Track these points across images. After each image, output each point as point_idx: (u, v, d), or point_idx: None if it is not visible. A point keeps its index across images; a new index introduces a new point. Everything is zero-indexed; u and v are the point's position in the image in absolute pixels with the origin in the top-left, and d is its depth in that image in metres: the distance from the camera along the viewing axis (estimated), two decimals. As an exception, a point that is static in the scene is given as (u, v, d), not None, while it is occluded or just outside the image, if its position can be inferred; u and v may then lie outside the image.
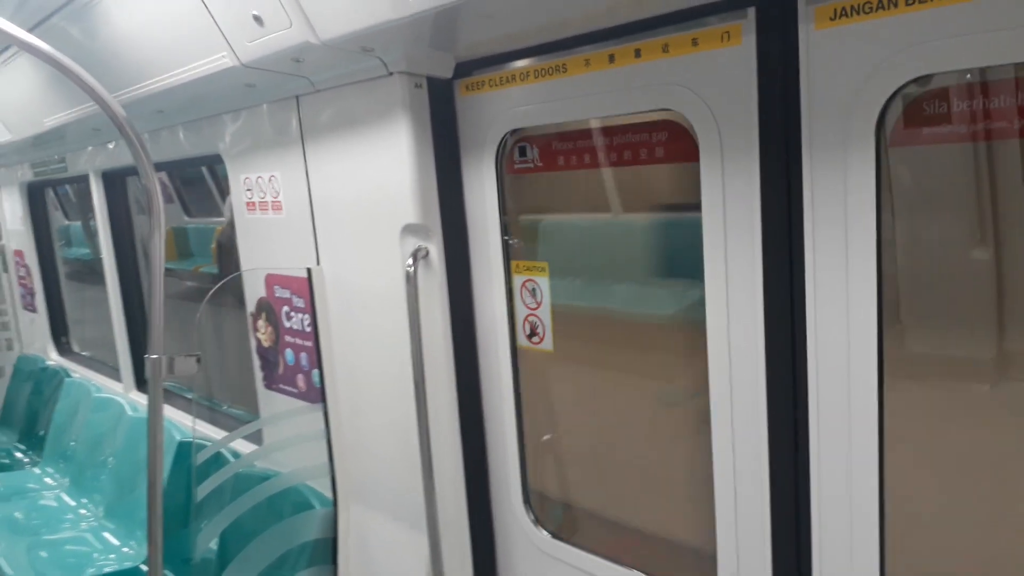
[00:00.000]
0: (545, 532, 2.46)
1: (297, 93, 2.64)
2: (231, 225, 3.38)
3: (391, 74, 2.26)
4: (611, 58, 1.92)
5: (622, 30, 1.88)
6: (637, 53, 1.87)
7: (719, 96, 1.74)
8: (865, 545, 1.70)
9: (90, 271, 6.16)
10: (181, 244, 8.67)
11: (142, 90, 2.84)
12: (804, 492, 1.78)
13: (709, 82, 1.75)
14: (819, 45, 1.57)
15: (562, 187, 2.39)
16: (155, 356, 2.09)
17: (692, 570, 2.24)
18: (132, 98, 2.89)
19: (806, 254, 1.66)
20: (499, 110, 2.25)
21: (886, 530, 1.69)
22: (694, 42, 1.76)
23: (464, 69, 2.30)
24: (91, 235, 6.01)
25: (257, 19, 2.14)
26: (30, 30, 2.77)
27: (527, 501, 2.50)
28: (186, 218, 8.57)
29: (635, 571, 2.22)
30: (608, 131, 2.11)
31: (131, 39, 2.72)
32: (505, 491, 2.53)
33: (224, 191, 6.53)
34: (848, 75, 1.54)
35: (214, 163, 3.33)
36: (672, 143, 1.96)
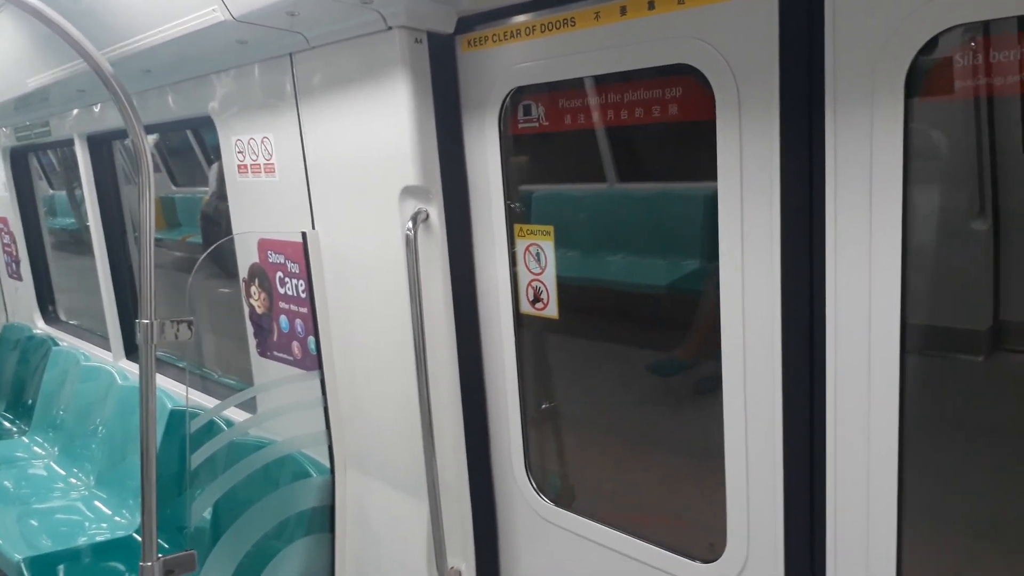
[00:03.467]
0: (547, 500, 2.43)
1: (291, 51, 2.55)
2: (216, 195, 3.30)
3: (390, 29, 2.17)
4: (623, 10, 1.85)
5: None
6: (651, 5, 1.79)
7: (738, 50, 1.67)
8: (882, 534, 1.65)
9: (76, 241, 6.05)
10: (168, 214, 8.55)
11: (129, 47, 2.74)
12: (819, 468, 1.73)
13: (727, 34, 1.68)
14: None
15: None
16: (146, 321, 2.03)
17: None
18: (119, 56, 2.79)
19: (827, 219, 1.60)
20: (503, 67, 2.17)
21: (904, 517, 1.63)
22: None
23: (466, 24, 2.22)
24: (76, 204, 5.90)
25: None
26: (11, -18, 2.65)
27: (528, 468, 2.46)
28: (173, 187, 8.44)
29: (636, 538, 2.19)
30: (617, 88, 2.04)
31: None
32: (507, 458, 2.50)
33: (211, 160, 6.42)
34: (876, 24, 1.47)
35: (203, 125, 3.24)
36: (686, 100, 1.90)
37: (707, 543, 2.04)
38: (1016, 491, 1.96)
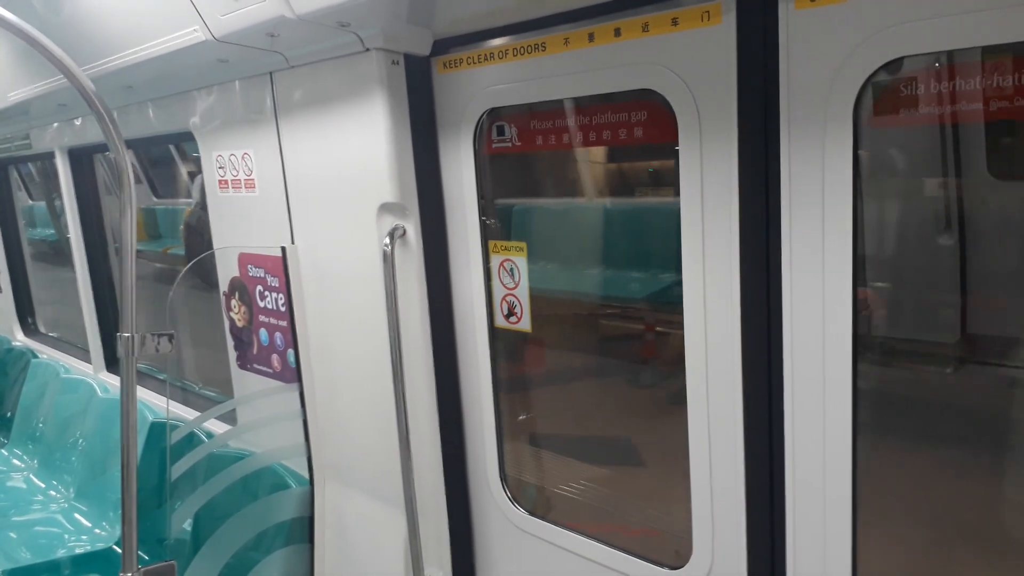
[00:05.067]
0: (521, 510, 2.49)
1: (271, 69, 2.60)
2: (200, 206, 3.33)
3: (368, 50, 2.23)
4: (591, 37, 1.92)
5: (602, 8, 1.88)
6: (617, 32, 1.87)
7: (698, 76, 1.75)
8: (838, 536, 1.72)
9: (55, 252, 6.04)
10: (150, 226, 8.53)
11: (110, 64, 2.78)
12: (779, 477, 1.80)
13: (688, 62, 1.76)
14: (799, 25, 1.58)
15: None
16: (127, 334, 2.07)
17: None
18: (100, 72, 2.83)
19: (783, 234, 1.68)
20: (477, 88, 2.24)
21: (858, 515, 1.71)
22: (674, 21, 1.76)
23: (442, 46, 2.28)
24: (56, 215, 5.88)
25: None
26: (-7, 1, 2.68)
27: (503, 479, 2.52)
28: (154, 199, 8.43)
29: (609, 547, 2.25)
30: (587, 111, 2.11)
31: (99, 10, 2.66)
32: (482, 469, 2.55)
33: (193, 172, 6.44)
34: (827, 56, 1.55)
35: (185, 140, 3.28)
36: (651, 123, 1.97)
37: (672, 549, 2.10)
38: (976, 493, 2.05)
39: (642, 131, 1.99)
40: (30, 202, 6.98)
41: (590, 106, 2.09)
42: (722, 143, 1.73)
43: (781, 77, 1.62)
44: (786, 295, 1.70)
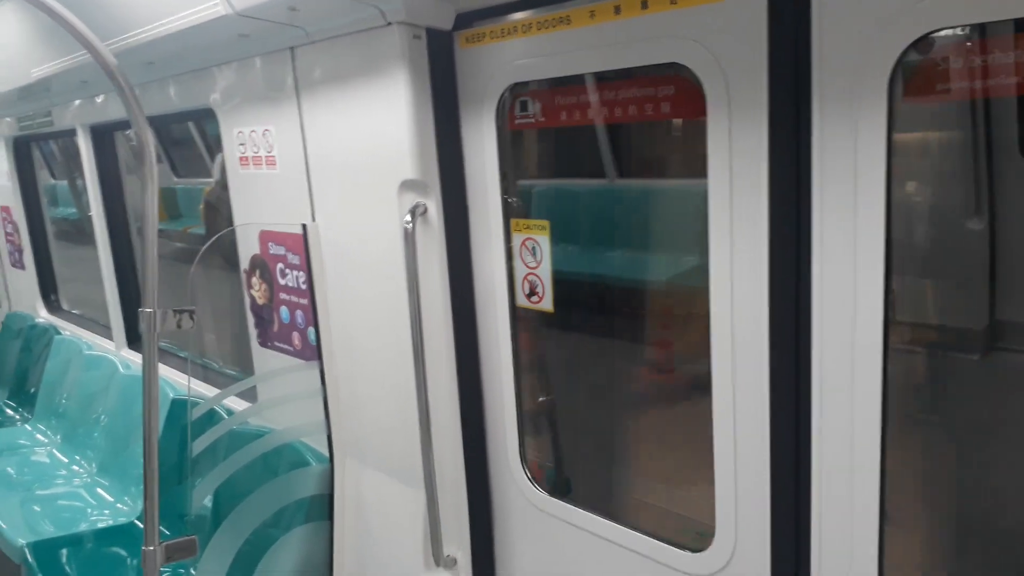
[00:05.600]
0: (542, 491, 2.47)
1: (292, 44, 2.57)
2: (220, 184, 3.33)
3: (389, 24, 2.20)
4: (616, 9, 1.88)
5: None
6: (644, 4, 1.82)
7: (728, 49, 1.70)
8: (865, 524, 1.68)
9: (77, 231, 6.08)
10: (170, 205, 8.56)
11: (132, 40, 2.77)
12: (805, 461, 1.76)
13: (718, 34, 1.71)
14: None
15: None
16: (149, 310, 2.07)
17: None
18: (121, 48, 2.82)
19: (813, 214, 1.63)
20: (500, 63, 2.20)
21: (886, 508, 1.67)
22: None
23: (464, 20, 2.25)
24: (78, 193, 5.92)
25: None
26: (15, -25, 2.68)
27: (523, 459, 2.51)
28: (175, 178, 8.46)
29: (631, 529, 2.23)
30: (612, 86, 2.07)
31: None
32: (502, 449, 2.54)
33: (213, 151, 6.44)
34: (862, 28, 1.50)
35: (205, 117, 3.27)
36: (679, 98, 1.93)
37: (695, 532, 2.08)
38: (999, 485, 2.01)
39: (669, 106, 1.95)
40: (52, 181, 7.02)
41: (615, 81, 2.04)
42: (752, 120, 1.68)
43: (813, 50, 1.57)
44: (816, 275, 1.66)
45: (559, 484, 2.69)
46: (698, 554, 2.04)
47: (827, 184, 1.60)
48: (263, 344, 3.17)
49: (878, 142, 1.52)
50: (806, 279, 1.67)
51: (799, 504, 1.80)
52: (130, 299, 4.66)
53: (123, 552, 3.52)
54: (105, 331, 4.92)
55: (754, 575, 1.92)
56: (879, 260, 1.56)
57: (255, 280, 3.11)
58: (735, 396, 1.85)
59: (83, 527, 3.66)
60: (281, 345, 3.05)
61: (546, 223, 2.30)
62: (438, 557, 2.53)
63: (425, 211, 2.35)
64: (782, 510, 1.84)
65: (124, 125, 4.23)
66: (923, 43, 1.47)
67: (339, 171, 2.58)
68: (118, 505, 3.90)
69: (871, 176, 1.53)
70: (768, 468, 1.83)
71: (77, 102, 4.41)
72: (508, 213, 2.35)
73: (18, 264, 6.00)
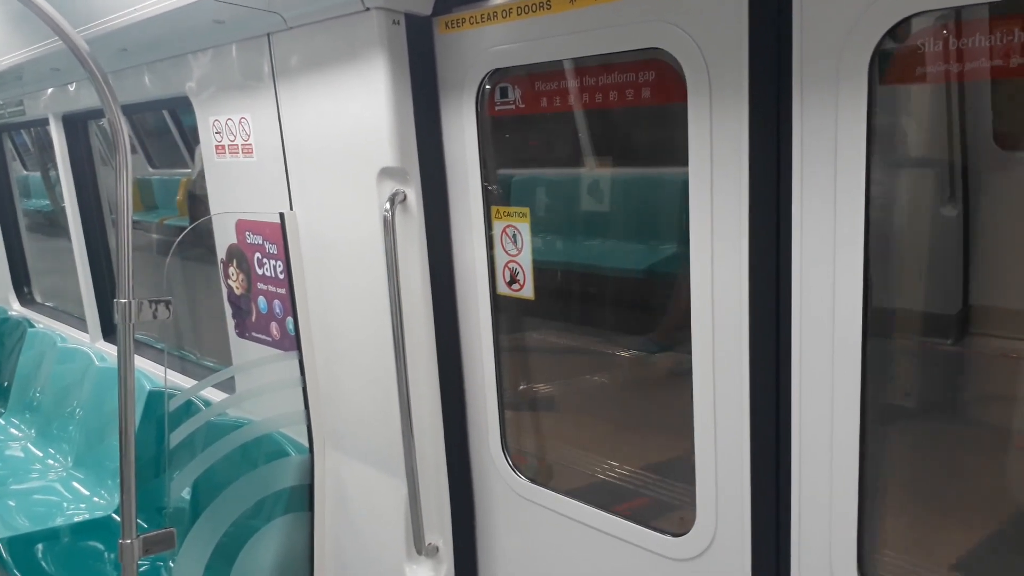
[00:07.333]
0: (523, 478, 2.48)
1: (269, 31, 2.54)
2: (202, 175, 3.29)
3: (367, 10, 2.18)
4: None
5: None
6: None
7: (708, 33, 1.70)
8: (844, 509, 1.70)
9: (50, 223, 5.99)
10: (146, 196, 8.45)
11: (105, 26, 2.72)
12: (785, 444, 1.77)
13: (698, 19, 1.71)
14: None
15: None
16: (124, 300, 2.04)
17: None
18: (94, 34, 2.77)
19: (793, 199, 1.64)
20: (479, 49, 2.19)
21: (865, 490, 1.68)
22: None
23: (443, 6, 2.23)
24: (51, 185, 5.82)
25: None
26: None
27: (505, 447, 2.51)
28: (150, 169, 8.35)
29: (612, 514, 2.24)
30: (592, 71, 2.06)
31: None
32: (483, 437, 2.54)
33: (189, 141, 6.36)
34: (842, 8, 1.50)
35: (181, 106, 3.22)
36: (659, 84, 1.93)
37: (677, 517, 2.09)
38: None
39: (650, 92, 1.94)
40: (24, 172, 6.91)
41: (596, 66, 2.04)
42: (732, 105, 1.69)
43: (794, 34, 1.57)
44: (796, 258, 1.66)
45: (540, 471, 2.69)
46: (679, 538, 2.05)
47: (807, 168, 1.60)
48: (241, 335, 3.14)
49: (858, 125, 1.52)
50: (786, 262, 1.68)
51: (779, 488, 1.81)
52: (105, 291, 4.60)
53: (100, 546, 3.49)
54: (80, 323, 4.86)
55: (735, 558, 1.93)
56: (859, 243, 1.57)
57: (232, 270, 3.08)
58: (715, 378, 1.86)
59: (59, 521, 3.62)
60: (259, 335, 3.02)
61: (526, 210, 2.29)
62: (420, 546, 2.52)
63: (404, 199, 2.33)
64: (762, 494, 1.85)
65: (98, 114, 4.16)
66: (899, 28, 1.47)
67: (317, 159, 2.55)
68: (94, 499, 3.86)
69: (851, 160, 1.54)
70: (748, 452, 1.84)
71: (49, 91, 4.33)
72: (488, 201, 2.34)
73: (-11, 256, 5.90)
